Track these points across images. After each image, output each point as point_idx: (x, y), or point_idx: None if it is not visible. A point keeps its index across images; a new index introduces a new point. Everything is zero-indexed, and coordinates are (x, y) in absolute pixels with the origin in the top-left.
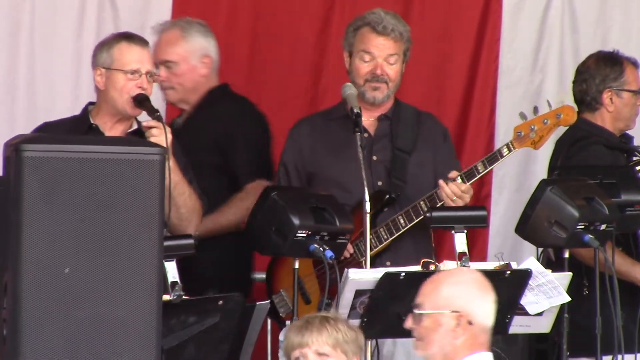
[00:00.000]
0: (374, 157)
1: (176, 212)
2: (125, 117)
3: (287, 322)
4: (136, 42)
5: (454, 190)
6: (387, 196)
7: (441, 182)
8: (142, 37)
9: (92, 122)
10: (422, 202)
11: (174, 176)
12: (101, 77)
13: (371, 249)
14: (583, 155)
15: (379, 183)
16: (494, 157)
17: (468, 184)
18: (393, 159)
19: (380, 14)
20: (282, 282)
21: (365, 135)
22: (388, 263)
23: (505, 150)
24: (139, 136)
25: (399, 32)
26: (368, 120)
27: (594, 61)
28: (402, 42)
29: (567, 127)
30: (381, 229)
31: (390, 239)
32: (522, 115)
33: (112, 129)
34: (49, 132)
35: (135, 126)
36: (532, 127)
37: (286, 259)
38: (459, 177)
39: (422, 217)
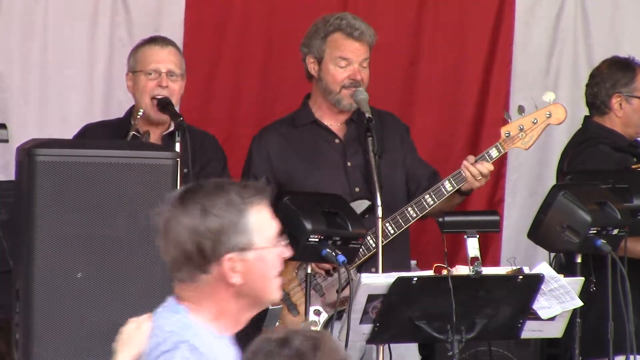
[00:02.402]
0: (349, 163)
1: None
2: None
3: None
4: (157, 43)
5: (481, 170)
6: (369, 203)
7: (465, 162)
8: (166, 38)
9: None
10: (410, 209)
11: None
12: (130, 82)
13: (359, 258)
14: (588, 154)
15: (357, 189)
16: (482, 159)
17: (457, 187)
18: (367, 163)
19: (349, 19)
20: None
21: (337, 141)
22: (373, 270)
23: (494, 152)
24: (173, 137)
25: (370, 35)
26: (335, 125)
27: (607, 65)
28: (370, 45)
29: (557, 125)
30: (367, 237)
31: (379, 246)
32: (508, 116)
33: (151, 132)
34: (89, 135)
35: (172, 127)
36: (521, 127)
37: None
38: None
39: (410, 223)
